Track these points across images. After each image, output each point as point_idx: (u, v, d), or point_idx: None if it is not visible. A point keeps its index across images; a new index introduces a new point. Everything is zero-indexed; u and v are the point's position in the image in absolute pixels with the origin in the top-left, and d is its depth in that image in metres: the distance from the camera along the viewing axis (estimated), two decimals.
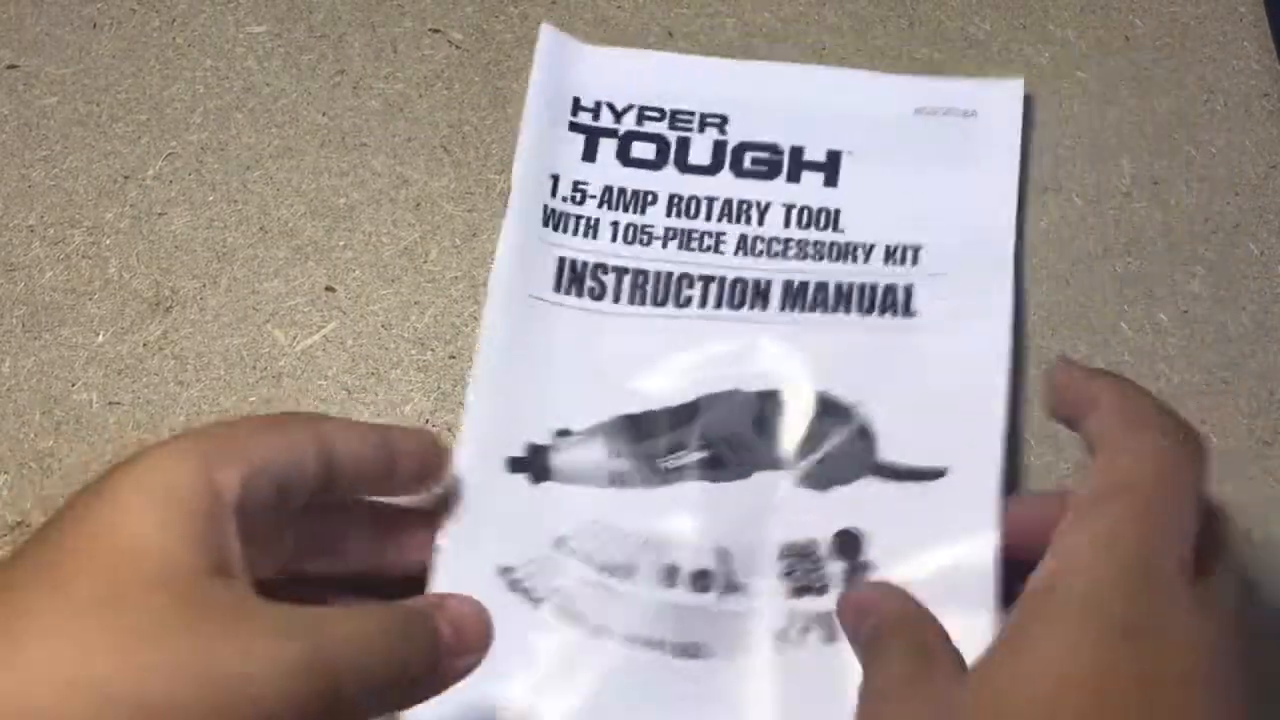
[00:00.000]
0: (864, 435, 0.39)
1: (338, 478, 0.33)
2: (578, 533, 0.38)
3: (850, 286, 0.41)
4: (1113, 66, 0.49)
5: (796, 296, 0.41)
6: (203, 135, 0.47)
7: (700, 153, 0.44)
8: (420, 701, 0.31)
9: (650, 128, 0.44)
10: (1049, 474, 0.42)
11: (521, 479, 0.39)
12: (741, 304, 0.41)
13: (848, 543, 0.38)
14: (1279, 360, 0.45)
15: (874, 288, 0.41)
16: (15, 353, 0.44)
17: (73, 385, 0.43)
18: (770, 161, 0.44)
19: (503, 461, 0.39)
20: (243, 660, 0.26)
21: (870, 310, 0.41)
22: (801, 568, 0.38)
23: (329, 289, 0.45)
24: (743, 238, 0.43)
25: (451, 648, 0.31)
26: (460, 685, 0.32)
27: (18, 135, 0.47)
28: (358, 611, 0.30)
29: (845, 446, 0.39)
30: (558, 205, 0.43)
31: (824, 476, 0.39)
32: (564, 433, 0.39)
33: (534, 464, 0.39)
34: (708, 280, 0.42)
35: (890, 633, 0.35)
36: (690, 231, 0.43)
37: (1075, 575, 0.29)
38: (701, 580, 0.38)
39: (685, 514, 0.39)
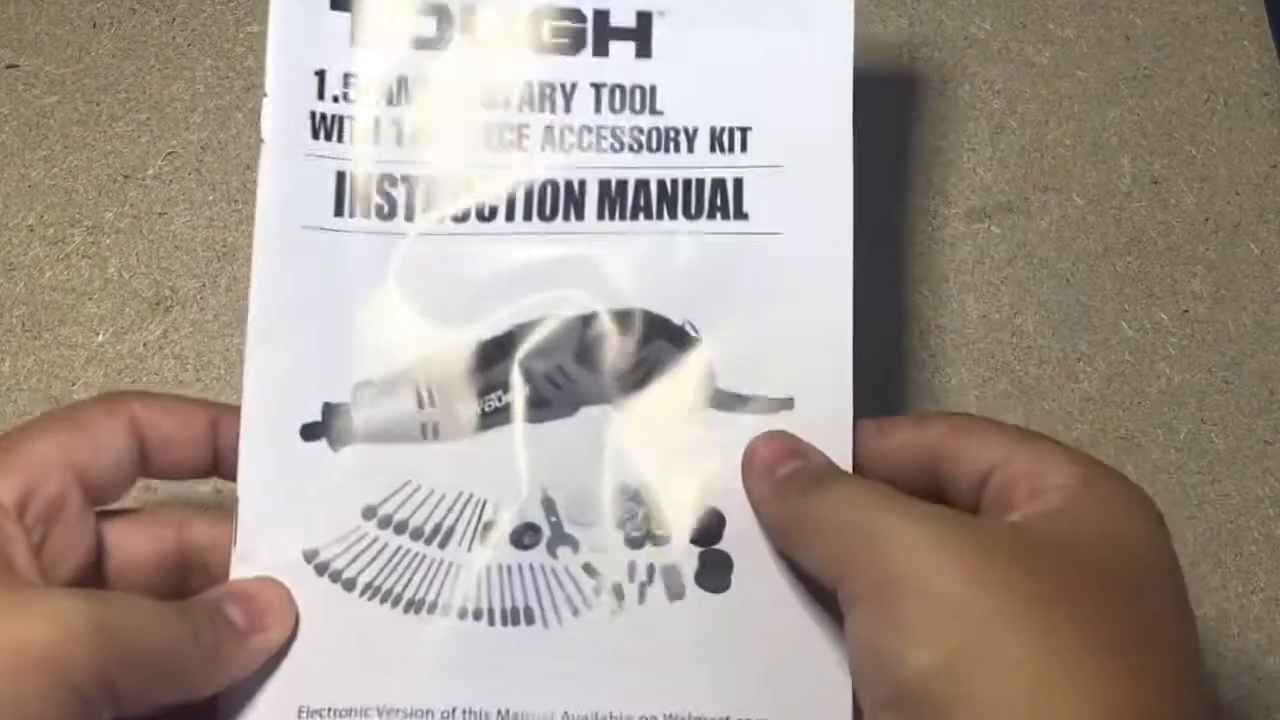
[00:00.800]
0: (699, 360, 0.35)
1: (155, 462, 0.33)
2: (388, 499, 0.34)
3: (675, 184, 0.36)
4: (1113, 66, 0.49)
5: (615, 200, 0.36)
6: (203, 135, 0.47)
7: (490, 24, 0.37)
8: (226, 682, 0.32)
9: None
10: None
11: (319, 447, 0.34)
12: (554, 214, 0.36)
13: (688, 489, 0.35)
14: (1279, 360, 0.45)
15: (700, 183, 0.36)
16: (15, 353, 0.44)
17: (73, 385, 0.43)
18: (573, 31, 0.37)
19: (295, 430, 0.34)
20: (19, 627, 0.27)
21: (698, 214, 0.36)
22: (639, 514, 0.35)
23: None
24: (548, 129, 0.36)
25: (242, 626, 0.32)
26: (281, 683, 0.32)
27: (18, 135, 0.47)
28: (143, 598, 0.31)
29: (679, 375, 0.35)
30: (327, 108, 0.36)
31: (657, 410, 0.35)
32: (364, 384, 0.35)
33: (331, 427, 0.34)
34: (513, 186, 0.36)
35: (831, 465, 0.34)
36: (488, 125, 0.36)
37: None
38: (527, 535, 0.34)
39: (506, 462, 0.35)
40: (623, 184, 0.36)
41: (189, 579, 0.34)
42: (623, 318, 0.36)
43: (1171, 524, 0.43)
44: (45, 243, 0.45)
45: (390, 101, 0.36)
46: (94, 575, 0.33)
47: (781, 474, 0.33)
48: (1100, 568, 0.29)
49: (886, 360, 0.44)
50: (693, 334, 0.36)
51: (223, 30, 0.49)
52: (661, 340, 0.36)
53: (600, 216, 0.36)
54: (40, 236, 0.45)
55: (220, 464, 0.34)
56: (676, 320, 0.36)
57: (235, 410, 0.34)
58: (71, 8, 0.49)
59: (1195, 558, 0.43)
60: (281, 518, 0.34)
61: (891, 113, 0.48)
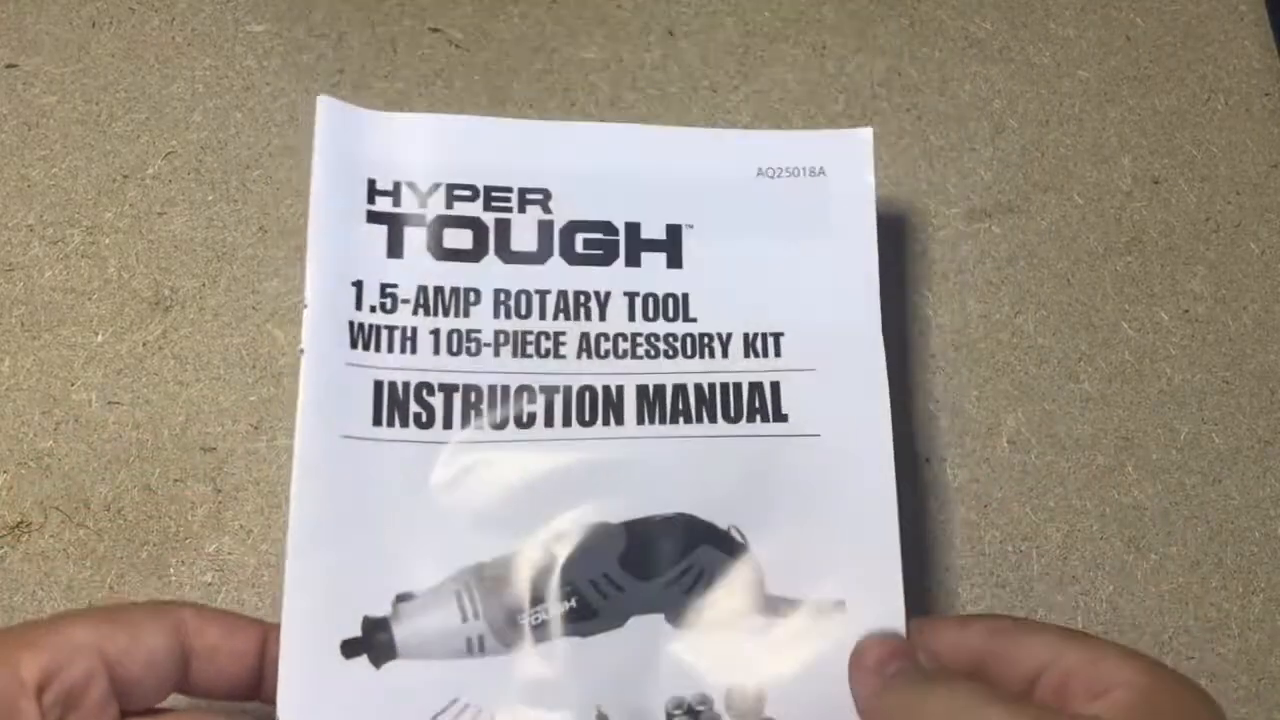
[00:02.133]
0: (747, 565, 0.35)
1: (196, 673, 0.32)
2: (437, 718, 0.33)
3: (713, 388, 0.37)
4: (1113, 66, 0.49)
5: (654, 404, 0.36)
6: (202, 134, 0.47)
7: (524, 237, 0.38)
8: None
9: (463, 210, 0.38)
10: (951, 597, 0.42)
11: (360, 664, 0.33)
12: (594, 419, 0.36)
13: (745, 698, 0.34)
14: None
15: (738, 387, 0.37)
16: (15, 352, 0.44)
17: (72, 385, 0.43)
18: (605, 243, 0.38)
19: (335, 647, 0.33)
20: None
21: (737, 417, 0.36)
22: None
23: None
24: (584, 336, 0.37)
25: None
26: None
27: (17, 135, 0.47)
28: None
29: (728, 581, 0.35)
30: (365, 318, 0.36)
31: (708, 617, 0.35)
32: (405, 597, 0.34)
33: (372, 643, 0.33)
34: (550, 391, 0.36)
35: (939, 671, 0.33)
36: (524, 334, 0.37)
37: None
38: None
39: (558, 678, 0.34)
40: (660, 389, 0.37)
41: None
42: (667, 524, 0.35)
43: (1171, 524, 0.43)
44: (45, 243, 0.45)
45: (427, 312, 0.36)
46: None
47: (890, 672, 0.33)
48: None
49: (887, 361, 0.44)
50: (739, 539, 0.35)
51: (223, 30, 0.49)
52: (708, 546, 0.35)
53: (640, 421, 0.36)
54: (40, 236, 0.45)
55: (266, 686, 0.33)
56: (722, 525, 0.36)
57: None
58: (71, 8, 0.49)
59: (1195, 558, 0.43)
60: None
61: (891, 113, 0.48)
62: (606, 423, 0.36)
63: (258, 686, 0.33)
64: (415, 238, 0.37)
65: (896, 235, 0.46)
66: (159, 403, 0.43)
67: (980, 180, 0.47)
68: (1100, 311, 0.45)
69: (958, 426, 0.44)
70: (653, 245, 0.38)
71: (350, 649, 0.33)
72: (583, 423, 0.36)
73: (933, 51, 0.49)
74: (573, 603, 0.35)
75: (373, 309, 0.36)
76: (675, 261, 0.38)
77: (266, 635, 0.33)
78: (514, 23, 0.49)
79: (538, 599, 0.35)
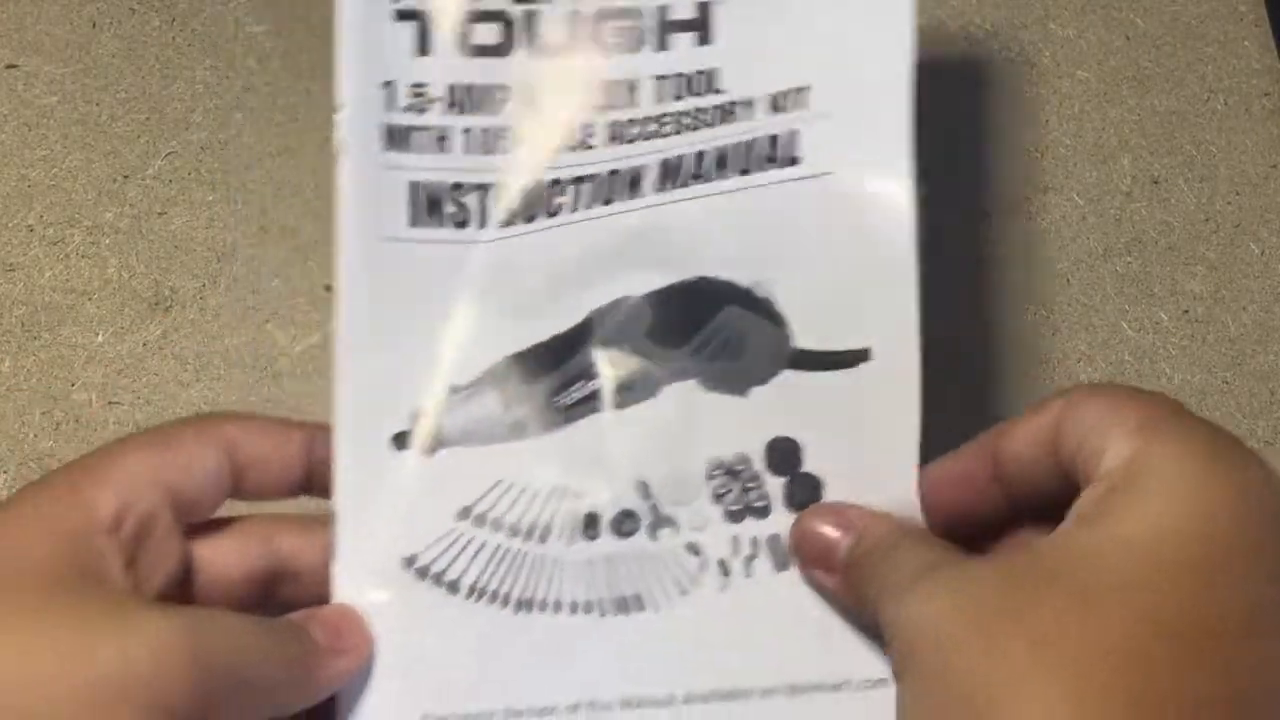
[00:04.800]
0: (773, 320, 0.35)
1: (248, 483, 0.33)
2: (482, 498, 0.35)
3: (728, 148, 0.36)
4: (1113, 66, 0.49)
5: (672, 174, 0.36)
6: (203, 135, 0.47)
7: (551, 29, 0.37)
8: (310, 701, 0.32)
9: (490, 3, 0.37)
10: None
11: (411, 454, 0.35)
12: (613, 196, 0.36)
13: (783, 454, 0.34)
14: None
15: (753, 142, 0.36)
16: (15, 353, 0.44)
17: (72, 385, 0.43)
18: (633, 30, 0.37)
19: (386, 439, 0.35)
20: (118, 650, 0.27)
21: (748, 169, 0.36)
22: (735, 487, 0.34)
23: (329, 288, 0.45)
24: (614, 124, 0.36)
25: (326, 648, 0.32)
26: (400, 692, 0.33)
27: (17, 135, 0.47)
28: (232, 613, 0.31)
29: (755, 338, 0.35)
30: (398, 119, 0.36)
31: (739, 377, 0.35)
32: (450, 389, 0.35)
33: (421, 434, 0.35)
34: (579, 181, 0.36)
35: (885, 538, 0.32)
36: (554, 127, 0.36)
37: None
38: (626, 523, 0.34)
39: (596, 452, 0.35)
40: (680, 158, 0.36)
41: (279, 588, 0.34)
42: (688, 289, 0.35)
43: None
44: (45, 243, 0.45)
45: (459, 110, 0.36)
46: (181, 590, 0.32)
47: (843, 563, 0.32)
48: (1126, 586, 0.26)
49: None
50: (762, 295, 0.35)
51: (223, 30, 0.49)
52: (732, 306, 0.35)
53: (659, 190, 0.36)
54: (40, 236, 0.45)
55: (313, 482, 0.34)
56: (743, 283, 0.35)
57: (328, 429, 0.34)
58: (71, 8, 0.49)
59: None
60: (378, 527, 0.34)
61: None
62: (625, 198, 0.36)
63: (307, 485, 0.34)
64: (443, 34, 0.37)
65: None
66: (159, 403, 0.43)
67: (980, 180, 0.47)
68: (1100, 312, 0.45)
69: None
70: (682, 26, 0.37)
71: (401, 441, 0.35)
72: (603, 203, 0.36)
73: (932, 51, 0.49)
74: (604, 379, 0.35)
75: (404, 109, 0.36)
76: (705, 39, 0.37)
77: (313, 437, 0.34)
78: None
79: (572, 380, 0.35)
